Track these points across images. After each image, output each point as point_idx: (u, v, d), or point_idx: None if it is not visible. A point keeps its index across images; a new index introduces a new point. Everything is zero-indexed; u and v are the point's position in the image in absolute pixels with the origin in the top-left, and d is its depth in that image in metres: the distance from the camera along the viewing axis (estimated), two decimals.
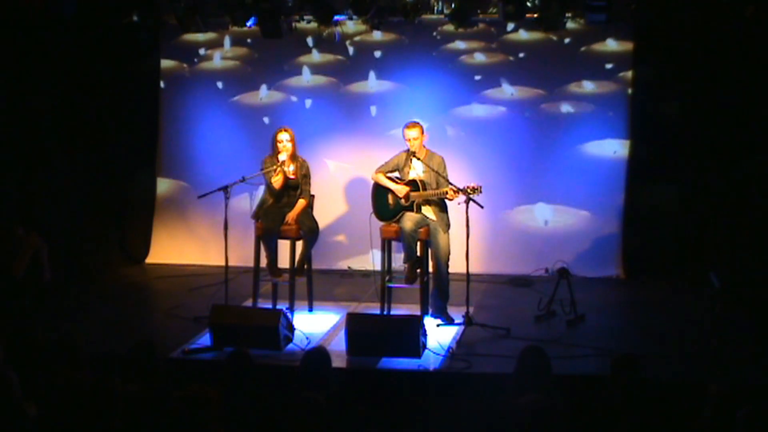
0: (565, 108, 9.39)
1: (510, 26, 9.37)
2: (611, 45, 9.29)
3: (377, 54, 9.67)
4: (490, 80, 9.50)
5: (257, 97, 9.87)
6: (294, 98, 9.80)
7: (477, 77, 9.52)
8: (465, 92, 9.54)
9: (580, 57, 9.35)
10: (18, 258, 6.59)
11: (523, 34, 9.43)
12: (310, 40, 9.64)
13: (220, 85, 9.92)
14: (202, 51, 9.94)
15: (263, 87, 9.85)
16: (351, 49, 9.70)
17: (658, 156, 9.11)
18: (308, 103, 9.79)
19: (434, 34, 9.48)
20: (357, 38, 9.62)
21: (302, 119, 9.51)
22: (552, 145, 9.39)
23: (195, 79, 9.96)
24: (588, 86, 9.34)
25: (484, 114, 9.53)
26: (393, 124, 9.30)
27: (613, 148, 9.28)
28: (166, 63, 10.00)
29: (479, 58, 9.55)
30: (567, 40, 9.33)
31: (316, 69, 9.79)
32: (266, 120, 9.79)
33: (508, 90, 9.46)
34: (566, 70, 9.36)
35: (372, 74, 9.67)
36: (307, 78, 9.80)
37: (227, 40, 9.87)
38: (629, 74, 9.23)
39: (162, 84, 10.00)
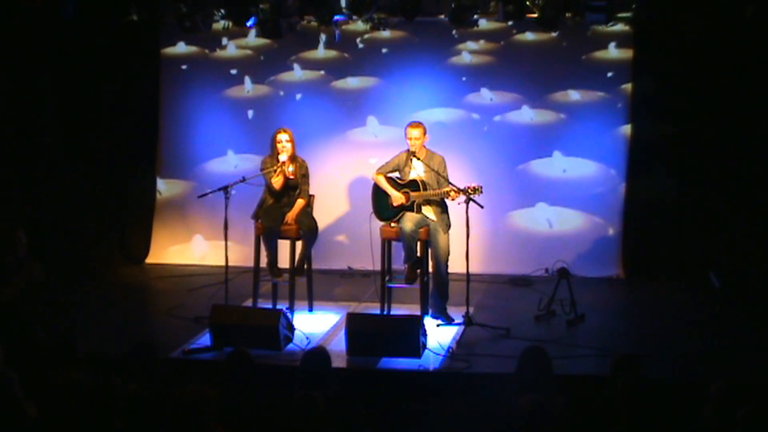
0: (564, 107, 9.38)
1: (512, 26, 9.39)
2: (613, 53, 9.29)
3: (384, 51, 9.66)
4: (497, 82, 9.50)
5: (262, 92, 9.87)
6: (286, 94, 9.80)
7: (476, 79, 9.51)
8: (465, 93, 9.54)
9: (581, 63, 9.35)
10: (11, 285, 6.52)
11: (529, 35, 9.40)
12: (323, 37, 9.65)
13: (234, 71, 9.88)
14: (224, 40, 9.89)
15: (248, 81, 9.85)
16: (362, 47, 9.68)
17: (658, 156, 9.11)
18: (298, 96, 9.80)
19: (453, 33, 9.42)
20: (367, 36, 9.57)
21: (300, 116, 9.55)
22: (551, 145, 9.39)
23: (200, 74, 9.93)
24: (589, 90, 9.32)
25: (485, 116, 9.53)
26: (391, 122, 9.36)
27: (563, 167, 9.32)
28: (190, 48, 9.93)
29: (485, 59, 9.55)
30: (567, 43, 9.34)
31: (320, 65, 9.79)
32: (249, 113, 9.82)
33: (509, 92, 9.47)
34: (567, 76, 9.34)
35: (378, 73, 9.66)
36: (299, 74, 9.80)
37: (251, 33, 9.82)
38: (630, 74, 9.23)
39: (184, 66, 9.94)
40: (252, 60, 9.91)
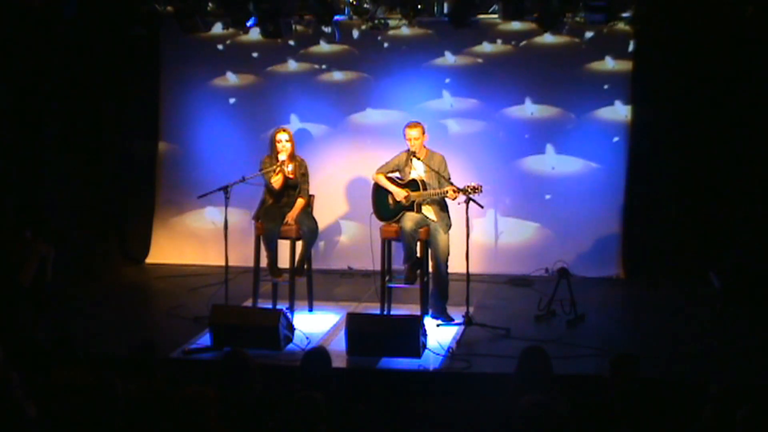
0: (566, 108, 9.38)
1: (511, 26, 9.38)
2: (610, 64, 9.29)
3: (403, 49, 9.62)
4: (502, 88, 9.48)
5: (265, 91, 9.83)
6: (284, 89, 9.76)
7: (476, 80, 9.50)
8: (467, 96, 9.54)
9: (582, 70, 9.34)
10: (25, 267, 6.58)
11: (548, 37, 9.34)
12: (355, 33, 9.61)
13: (254, 54, 9.81)
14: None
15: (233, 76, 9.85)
16: (386, 45, 9.62)
17: (658, 155, 9.11)
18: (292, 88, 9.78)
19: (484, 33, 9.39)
20: (391, 32, 9.46)
21: (300, 113, 9.55)
22: (553, 146, 9.40)
23: (203, 71, 9.89)
24: (588, 91, 9.31)
25: (488, 117, 9.53)
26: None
27: (552, 164, 9.34)
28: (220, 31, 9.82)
29: (487, 61, 9.55)
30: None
31: (322, 60, 9.77)
32: (232, 101, 9.80)
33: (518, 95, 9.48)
34: (567, 80, 9.35)
35: (384, 71, 9.63)
36: (292, 66, 9.78)
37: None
38: (630, 63, 9.22)
39: (221, 47, 9.83)
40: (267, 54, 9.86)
